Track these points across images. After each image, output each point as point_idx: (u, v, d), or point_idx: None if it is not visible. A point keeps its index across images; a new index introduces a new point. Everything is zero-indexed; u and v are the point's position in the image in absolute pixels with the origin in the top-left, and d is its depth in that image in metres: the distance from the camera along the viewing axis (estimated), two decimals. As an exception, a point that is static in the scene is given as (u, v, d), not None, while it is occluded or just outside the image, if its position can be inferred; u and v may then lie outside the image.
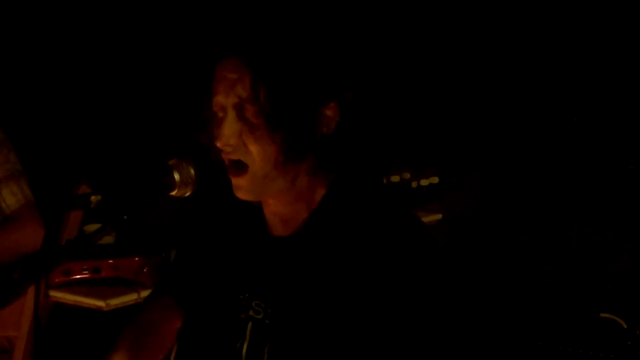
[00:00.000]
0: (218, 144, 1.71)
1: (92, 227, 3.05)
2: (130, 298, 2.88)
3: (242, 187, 1.72)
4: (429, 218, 3.98)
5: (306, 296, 1.71)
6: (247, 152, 1.69)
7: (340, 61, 1.75)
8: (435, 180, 4.13)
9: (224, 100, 1.69)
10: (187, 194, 1.73)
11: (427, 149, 4.30)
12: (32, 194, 3.04)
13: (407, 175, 4.07)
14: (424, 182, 4.08)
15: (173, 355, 1.98)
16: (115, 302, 2.86)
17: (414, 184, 4.06)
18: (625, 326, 3.18)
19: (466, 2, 4.15)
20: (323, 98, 1.71)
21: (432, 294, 1.70)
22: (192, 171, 1.72)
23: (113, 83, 3.96)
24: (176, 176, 1.71)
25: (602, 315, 3.23)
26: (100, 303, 2.86)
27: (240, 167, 1.70)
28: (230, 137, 1.68)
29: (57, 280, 2.96)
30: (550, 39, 3.98)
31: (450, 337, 1.70)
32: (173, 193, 1.72)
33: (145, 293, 2.88)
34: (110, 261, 2.96)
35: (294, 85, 1.67)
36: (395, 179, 4.02)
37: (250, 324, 1.76)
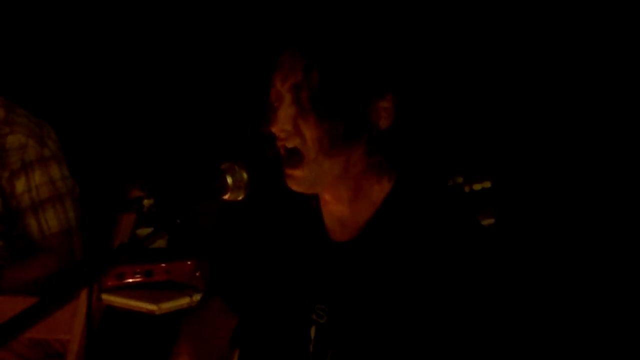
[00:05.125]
0: (273, 130, 1.71)
1: (145, 231, 3.07)
2: (182, 302, 2.89)
3: (295, 177, 1.72)
4: (482, 223, 3.93)
5: (368, 301, 1.70)
6: (302, 139, 1.69)
7: (398, 52, 1.73)
8: (487, 184, 4.09)
9: (280, 87, 1.70)
10: (240, 197, 1.73)
11: (480, 153, 4.26)
12: (78, 215, 3.03)
13: (460, 180, 4.03)
14: (477, 187, 4.05)
15: (236, 358, 1.98)
16: (167, 306, 2.87)
17: (466, 189, 4.03)
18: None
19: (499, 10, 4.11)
20: (378, 89, 1.69)
21: (493, 303, 1.68)
22: (245, 175, 1.72)
23: (167, 87, 3.98)
24: (229, 180, 1.71)
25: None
26: (152, 307, 2.86)
27: (295, 157, 1.70)
28: (285, 122, 1.69)
29: (109, 283, 2.97)
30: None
31: (507, 344, 1.68)
32: (225, 197, 1.72)
33: (197, 297, 2.88)
34: (163, 265, 2.96)
35: (346, 71, 1.67)
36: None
37: (314, 328, 1.76)
